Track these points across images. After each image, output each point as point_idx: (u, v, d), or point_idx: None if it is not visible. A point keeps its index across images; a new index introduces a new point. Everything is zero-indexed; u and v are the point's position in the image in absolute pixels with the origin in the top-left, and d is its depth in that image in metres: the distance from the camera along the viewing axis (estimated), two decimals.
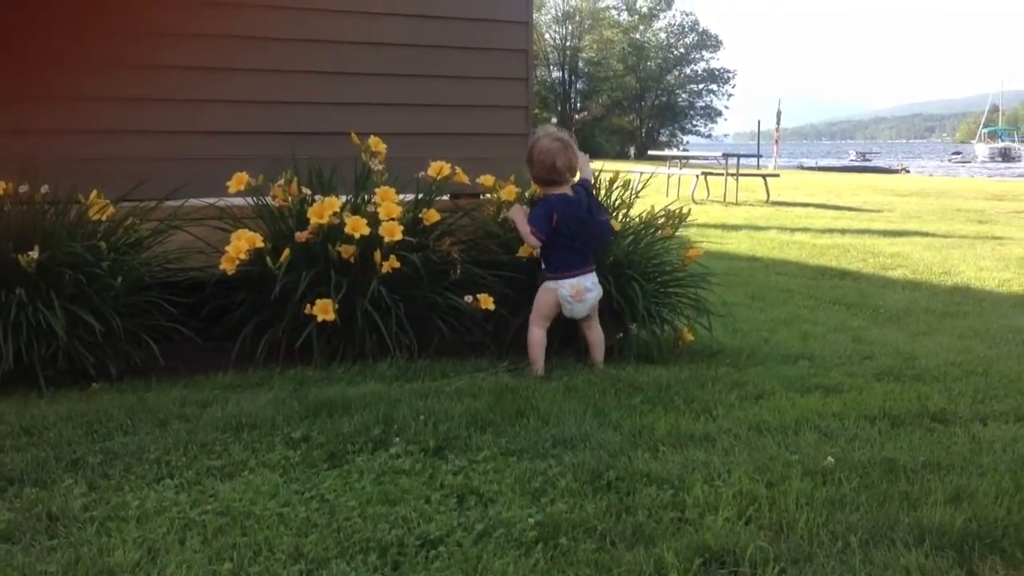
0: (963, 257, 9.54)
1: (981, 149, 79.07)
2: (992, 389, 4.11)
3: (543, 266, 4.33)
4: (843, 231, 12.06)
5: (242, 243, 4.10)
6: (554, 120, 49.94)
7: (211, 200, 4.52)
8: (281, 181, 4.40)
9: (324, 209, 4.20)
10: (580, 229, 4.24)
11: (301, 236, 4.19)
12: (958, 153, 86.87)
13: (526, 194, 4.69)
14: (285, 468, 2.87)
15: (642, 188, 5.26)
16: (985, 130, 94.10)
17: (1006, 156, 73.84)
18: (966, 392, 4.03)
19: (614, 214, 4.82)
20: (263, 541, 2.33)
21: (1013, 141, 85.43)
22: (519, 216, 4.31)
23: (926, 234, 11.89)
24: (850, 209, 16.24)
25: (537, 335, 4.25)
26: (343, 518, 2.47)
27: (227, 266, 4.11)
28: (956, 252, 9.97)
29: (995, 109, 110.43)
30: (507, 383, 3.86)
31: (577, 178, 4.35)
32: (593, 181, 4.63)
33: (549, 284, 4.27)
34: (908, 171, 48.29)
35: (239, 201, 4.51)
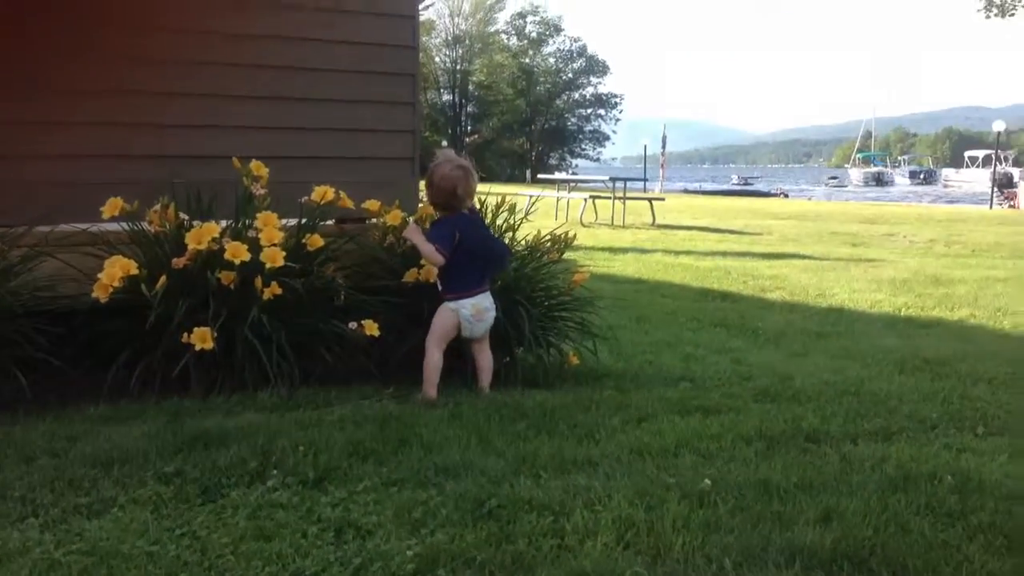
0: (837, 279, 9.89)
1: (856, 174, 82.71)
2: (863, 408, 4.26)
3: (440, 287, 4.32)
4: (725, 254, 12.39)
5: (116, 270, 3.97)
6: (444, 143, 49.96)
7: (84, 226, 4.36)
8: (157, 206, 4.28)
9: (203, 234, 4.10)
10: (480, 247, 4.28)
11: (178, 262, 4.08)
12: (834, 178, 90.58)
13: (410, 219, 4.68)
14: (156, 504, 2.77)
15: (532, 211, 5.31)
16: (859, 155, 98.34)
17: (879, 180, 77.54)
18: (838, 412, 4.17)
19: (500, 238, 4.84)
20: None
21: (885, 166, 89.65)
22: (416, 235, 4.30)
23: (803, 256, 12.29)
24: (732, 232, 16.69)
25: (435, 357, 4.23)
26: (215, 556, 2.40)
27: (100, 294, 3.96)
28: (831, 274, 10.34)
29: (868, 135, 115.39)
30: (391, 411, 3.83)
31: None
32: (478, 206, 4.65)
33: (449, 305, 4.26)
34: (787, 195, 50.00)
35: (114, 227, 4.36)
